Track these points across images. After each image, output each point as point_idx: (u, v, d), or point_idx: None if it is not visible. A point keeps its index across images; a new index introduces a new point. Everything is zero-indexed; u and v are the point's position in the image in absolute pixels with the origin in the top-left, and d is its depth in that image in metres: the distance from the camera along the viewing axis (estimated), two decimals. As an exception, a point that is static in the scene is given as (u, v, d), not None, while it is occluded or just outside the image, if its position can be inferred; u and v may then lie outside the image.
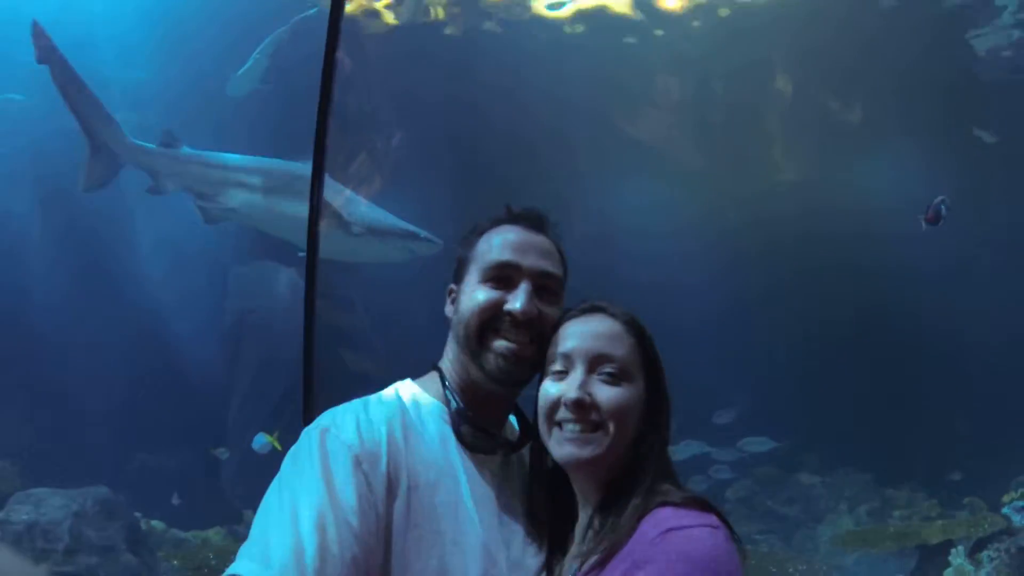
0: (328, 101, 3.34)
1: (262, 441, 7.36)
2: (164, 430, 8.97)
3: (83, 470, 7.57)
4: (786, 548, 8.65)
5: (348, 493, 1.57)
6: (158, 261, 9.36)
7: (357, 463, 1.61)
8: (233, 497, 8.61)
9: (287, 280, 9.08)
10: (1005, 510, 6.02)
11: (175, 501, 8.23)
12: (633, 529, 1.51)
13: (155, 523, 8.13)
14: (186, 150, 7.28)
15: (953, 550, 5.95)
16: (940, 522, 6.82)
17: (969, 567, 5.74)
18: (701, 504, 1.54)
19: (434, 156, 9.26)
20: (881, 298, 9.34)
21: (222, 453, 8.48)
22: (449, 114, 9.47)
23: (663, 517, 1.50)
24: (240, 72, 8.80)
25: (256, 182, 6.70)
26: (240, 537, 8.39)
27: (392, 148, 9.12)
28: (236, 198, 6.83)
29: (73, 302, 9.07)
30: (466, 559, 1.65)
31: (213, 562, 6.75)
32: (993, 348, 9.09)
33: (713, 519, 1.50)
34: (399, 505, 1.63)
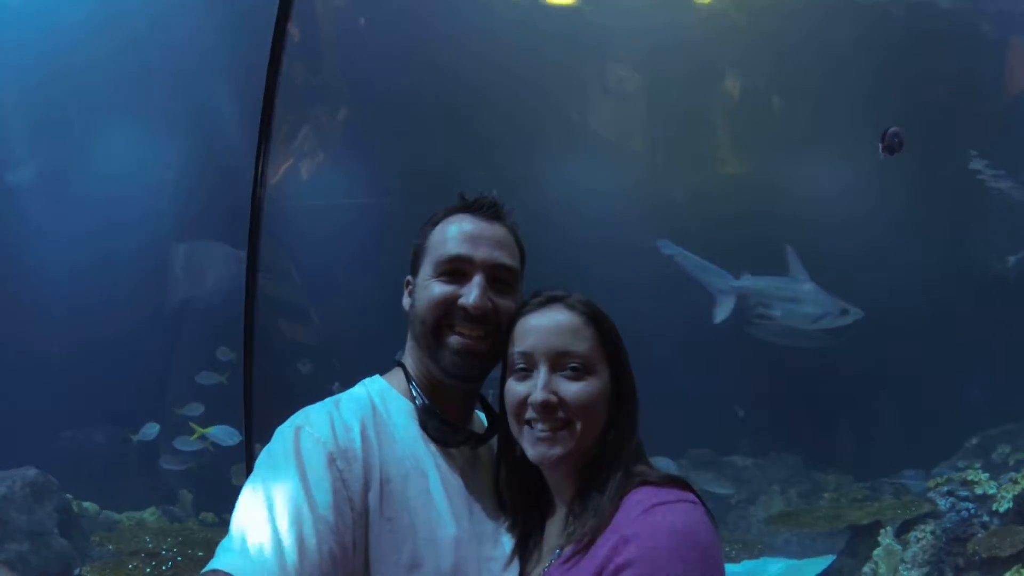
0: (276, 79, 3.26)
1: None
2: (96, 406, 8.70)
3: (9, 450, 7.28)
4: (720, 527, 8.84)
5: (323, 489, 1.59)
6: (94, 236, 9.06)
7: (331, 460, 1.63)
8: (169, 476, 8.43)
9: (228, 256, 8.91)
10: (931, 494, 6.30)
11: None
12: (616, 509, 1.55)
13: (87, 504, 7.81)
14: (752, 280, 9.26)
15: (882, 530, 6.23)
16: (870, 504, 7.08)
17: (897, 546, 6.01)
18: (679, 483, 1.58)
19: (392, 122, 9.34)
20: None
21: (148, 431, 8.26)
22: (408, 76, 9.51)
23: (645, 495, 1.54)
24: None
25: (789, 295, 9.09)
26: (176, 518, 8.24)
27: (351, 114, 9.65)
28: (781, 308, 9.11)
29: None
30: (438, 552, 1.67)
31: (150, 545, 6.51)
32: (918, 340, 9.40)
33: (692, 496, 1.56)
34: (373, 499, 1.65)
